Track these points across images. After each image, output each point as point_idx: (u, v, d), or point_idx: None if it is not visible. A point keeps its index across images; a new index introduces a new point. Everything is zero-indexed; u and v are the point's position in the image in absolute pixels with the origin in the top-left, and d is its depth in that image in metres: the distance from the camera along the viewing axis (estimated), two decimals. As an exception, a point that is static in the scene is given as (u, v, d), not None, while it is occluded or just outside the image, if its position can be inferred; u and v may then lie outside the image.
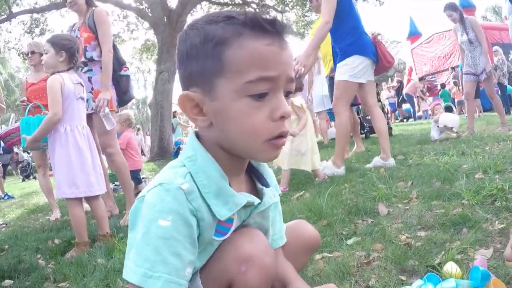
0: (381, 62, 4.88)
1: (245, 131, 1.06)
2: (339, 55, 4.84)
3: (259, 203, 1.21)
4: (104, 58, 4.26)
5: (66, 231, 3.99)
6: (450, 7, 7.61)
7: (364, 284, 1.82)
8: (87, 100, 4.12)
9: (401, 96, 22.15)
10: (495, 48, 15.08)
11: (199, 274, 1.15)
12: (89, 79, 4.31)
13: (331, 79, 6.29)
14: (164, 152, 14.16)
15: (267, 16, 1.06)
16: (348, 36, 4.68)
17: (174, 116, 19.15)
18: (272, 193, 1.29)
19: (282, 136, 1.08)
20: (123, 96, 4.62)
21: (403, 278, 1.83)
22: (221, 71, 1.04)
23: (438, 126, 6.79)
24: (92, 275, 2.51)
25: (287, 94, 1.11)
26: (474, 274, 1.55)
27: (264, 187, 1.27)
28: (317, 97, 9.07)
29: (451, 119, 6.75)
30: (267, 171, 1.34)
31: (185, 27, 1.16)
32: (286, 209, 3.21)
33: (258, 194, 1.26)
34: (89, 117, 4.10)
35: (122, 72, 4.62)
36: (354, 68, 4.70)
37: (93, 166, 3.40)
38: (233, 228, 1.17)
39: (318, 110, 9.26)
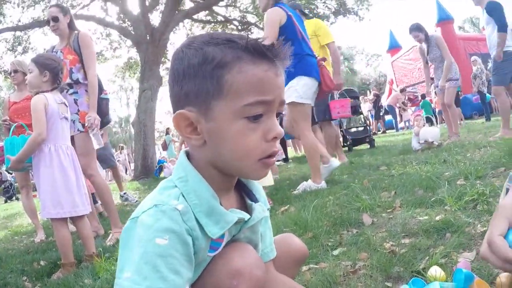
0: (320, 86, 4.93)
1: (239, 151, 1.09)
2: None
3: (249, 219, 1.22)
4: (92, 80, 4.31)
5: (51, 252, 3.94)
6: (416, 29, 7.93)
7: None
8: (73, 121, 4.15)
9: (383, 108, 22.39)
10: (474, 58, 15.40)
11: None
12: (75, 101, 4.32)
13: None
14: (147, 170, 14.12)
15: (265, 43, 1.10)
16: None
17: (167, 133, 19.15)
18: (261, 208, 1.30)
19: (272, 155, 1.13)
20: (102, 119, 4.63)
21: (389, 284, 1.85)
22: (219, 93, 1.07)
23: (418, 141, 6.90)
24: (79, 295, 2.50)
25: (277, 115, 1.15)
26: (457, 276, 1.57)
27: (253, 203, 1.28)
28: None
29: (431, 134, 6.84)
30: (256, 186, 1.35)
31: (179, 45, 1.18)
32: (272, 223, 3.13)
33: (248, 209, 1.27)
34: (72, 138, 4.08)
35: (102, 95, 4.65)
36: (299, 89, 4.71)
37: (77, 186, 3.38)
38: (224, 243, 1.18)
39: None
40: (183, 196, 1.11)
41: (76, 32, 4.51)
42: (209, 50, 1.08)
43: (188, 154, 1.21)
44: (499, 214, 1.14)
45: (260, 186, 1.38)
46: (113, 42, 21.11)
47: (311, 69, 4.77)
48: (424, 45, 7.97)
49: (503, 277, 1.57)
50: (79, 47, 4.39)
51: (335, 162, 4.92)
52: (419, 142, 6.85)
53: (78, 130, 4.25)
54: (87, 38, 4.48)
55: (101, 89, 4.62)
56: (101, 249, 3.55)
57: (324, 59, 5.08)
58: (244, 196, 1.31)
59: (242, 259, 1.14)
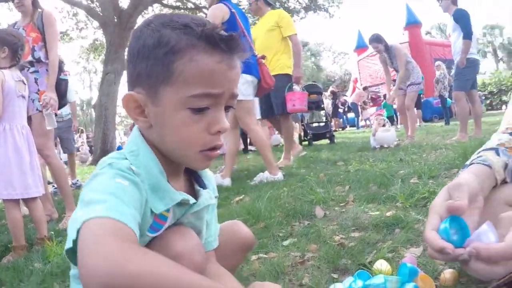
0: (260, 83, 5.06)
1: (181, 140, 1.08)
2: None
3: (194, 203, 1.21)
4: (53, 59, 4.21)
5: (2, 235, 3.82)
6: (375, 40, 8.10)
7: (297, 283, 1.82)
8: (33, 100, 4.06)
9: (345, 106, 22.63)
10: (438, 63, 15.73)
11: None
12: (36, 80, 4.21)
13: None
14: (106, 155, 13.85)
15: (223, 32, 1.06)
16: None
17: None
18: (209, 195, 1.28)
19: (215, 148, 1.11)
20: (60, 100, 4.51)
21: (335, 276, 1.85)
22: (168, 80, 1.05)
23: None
24: (29, 279, 2.41)
25: (227, 108, 1.14)
26: (402, 270, 1.59)
27: (201, 189, 1.27)
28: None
29: (387, 140, 6.92)
30: (206, 173, 1.34)
31: (140, 23, 1.15)
32: (226, 213, 3.21)
33: (196, 195, 1.25)
34: (29, 118, 3.99)
35: (62, 76, 4.52)
36: (240, 87, 4.65)
37: (31, 167, 3.27)
38: (166, 225, 1.16)
39: (259, 117, 9.38)
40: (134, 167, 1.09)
41: (40, 10, 4.41)
42: (165, 33, 1.05)
43: (141, 130, 1.19)
44: (431, 211, 1.17)
45: (211, 174, 1.38)
46: (80, 22, 20.66)
47: (251, 67, 4.87)
48: (385, 54, 8.12)
49: (447, 273, 1.60)
50: (43, 25, 4.30)
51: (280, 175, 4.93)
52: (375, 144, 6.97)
53: (37, 109, 4.14)
54: (51, 17, 4.39)
55: (61, 70, 4.50)
56: (53, 232, 3.46)
57: (263, 57, 5.19)
58: (193, 182, 1.30)
59: (182, 243, 1.13)
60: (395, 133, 7.26)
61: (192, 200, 1.19)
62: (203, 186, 1.29)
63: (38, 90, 4.19)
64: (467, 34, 6.85)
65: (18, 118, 3.31)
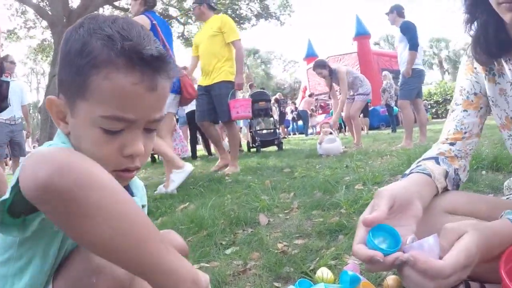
0: (182, 94, 5.19)
1: (93, 157, 0.98)
2: None
3: None
4: None
5: None
6: (319, 66, 8.32)
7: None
8: None
9: (295, 113, 22.86)
10: (384, 72, 16.16)
11: (52, 284, 1.05)
12: None
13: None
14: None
15: (147, 52, 0.97)
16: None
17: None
18: (139, 199, 1.24)
19: (129, 170, 1.06)
20: (0, 103, 4.32)
21: (277, 284, 1.81)
22: (83, 94, 0.99)
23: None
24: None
25: (150, 131, 1.08)
26: (343, 278, 1.56)
27: (133, 191, 1.24)
28: None
29: (332, 150, 6.98)
30: (135, 182, 1.30)
31: (78, 21, 1.06)
32: (169, 221, 3.16)
33: None
34: None
35: (3, 78, 4.32)
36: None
37: None
38: None
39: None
40: None
41: None
42: (89, 42, 0.98)
43: None
44: (358, 225, 1.16)
45: (140, 182, 1.33)
46: (28, 20, 20.13)
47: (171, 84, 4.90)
48: (329, 79, 8.33)
49: (390, 279, 1.59)
50: None
51: (189, 167, 4.87)
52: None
53: None
54: None
55: (1, 71, 4.32)
56: None
57: (185, 68, 5.22)
58: None
59: None
60: (340, 143, 7.32)
61: None
62: (131, 194, 1.24)
63: None
64: (413, 46, 7.04)
65: None
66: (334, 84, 8.33)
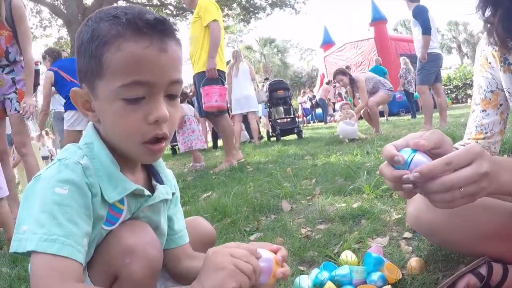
0: None
1: (119, 132, 1.07)
2: None
3: (150, 196, 1.20)
4: (29, 60, 3.98)
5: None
6: (340, 73, 8.19)
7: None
8: (10, 100, 3.94)
9: (313, 101, 22.76)
10: (403, 57, 15.88)
11: (86, 268, 1.10)
12: (13, 80, 4.01)
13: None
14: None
15: (150, 16, 1.03)
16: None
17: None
18: (165, 190, 1.27)
19: (159, 140, 1.07)
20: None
21: (302, 268, 1.84)
22: (100, 73, 1.03)
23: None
24: (-4, 284, 2.34)
25: (172, 97, 1.10)
26: (367, 260, 1.59)
27: (158, 184, 1.26)
28: (235, 100, 9.17)
29: (347, 133, 6.96)
30: (165, 170, 1.33)
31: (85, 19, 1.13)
32: (193, 210, 3.18)
33: (153, 190, 1.24)
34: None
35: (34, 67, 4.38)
36: (69, 120, 5.78)
37: None
38: (121, 219, 1.14)
39: (236, 113, 9.35)
40: (88, 159, 1.09)
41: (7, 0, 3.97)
42: (97, 27, 1.04)
43: (95, 125, 1.18)
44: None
45: (169, 171, 1.37)
46: (44, 20, 20.29)
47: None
48: (350, 88, 8.27)
49: (413, 261, 1.61)
50: (13, 20, 3.95)
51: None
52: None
53: (15, 109, 3.98)
54: (21, 8, 4.02)
55: None
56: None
57: None
58: (151, 177, 1.29)
59: (136, 237, 1.10)
60: (357, 128, 7.29)
61: (146, 192, 1.18)
62: (160, 182, 1.27)
63: (16, 89, 4.01)
64: (425, 30, 6.97)
65: None
66: (355, 93, 8.27)
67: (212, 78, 5.38)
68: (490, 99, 1.56)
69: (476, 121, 1.60)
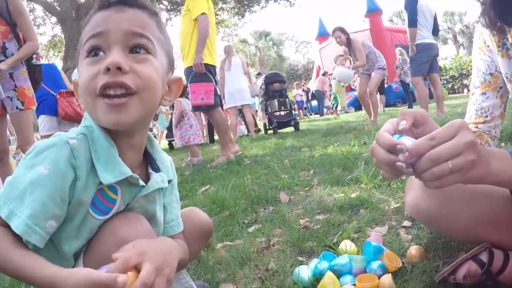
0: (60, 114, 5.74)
1: (81, 89, 1.11)
2: None
3: (144, 186, 1.19)
4: (32, 45, 4.00)
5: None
6: (339, 30, 8.08)
7: (263, 268, 1.80)
8: (11, 98, 3.87)
9: (309, 93, 22.75)
10: (398, 48, 15.86)
11: (82, 258, 1.11)
12: (11, 75, 3.91)
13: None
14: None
15: None
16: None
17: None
18: (160, 178, 1.25)
19: (110, 88, 1.05)
20: (34, 86, 4.33)
21: (301, 258, 1.83)
22: (79, 50, 1.15)
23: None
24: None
25: (137, 52, 1.11)
26: (367, 249, 1.58)
27: (153, 172, 1.25)
28: (229, 93, 9.18)
29: (343, 74, 7.05)
30: (162, 157, 1.32)
31: None
32: (191, 204, 3.17)
33: (148, 179, 1.23)
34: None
35: (34, 61, 4.32)
36: (42, 125, 5.94)
37: None
38: (115, 209, 1.15)
39: (228, 106, 9.35)
40: (88, 139, 1.10)
41: None
42: (88, 16, 1.17)
43: None
44: (387, 122, 1.11)
45: (167, 158, 1.36)
46: (37, 18, 20.22)
47: (46, 106, 5.73)
48: (346, 48, 8.19)
49: (413, 249, 1.60)
50: (10, 14, 3.88)
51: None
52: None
53: (17, 108, 3.93)
54: (17, 3, 3.93)
55: (32, 55, 4.32)
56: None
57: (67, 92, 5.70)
58: (148, 165, 1.28)
59: (130, 228, 1.11)
60: (353, 74, 7.36)
61: (141, 182, 1.17)
62: (156, 170, 1.27)
63: (15, 86, 3.94)
64: (410, 22, 7.02)
65: None
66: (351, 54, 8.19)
67: (200, 73, 5.25)
68: (489, 81, 1.55)
69: (475, 104, 1.59)
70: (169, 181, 1.32)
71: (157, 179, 1.24)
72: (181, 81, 1.27)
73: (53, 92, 5.69)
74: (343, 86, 7.83)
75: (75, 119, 5.79)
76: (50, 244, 1.07)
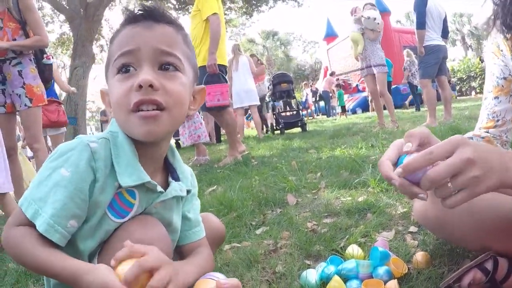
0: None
1: (114, 104, 1.15)
2: None
3: (162, 193, 1.23)
4: (41, 39, 4.02)
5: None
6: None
7: (270, 270, 1.81)
8: (19, 96, 3.91)
9: (317, 94, 22.71)
10: (406, 50, 15.80)
11: (97, 259, 1.16)
12: (20, 72, 3.97)
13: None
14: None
15: (142, 7, 1.19)
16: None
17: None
18: (179, 187, 1.30)
19: (142, 104, 1.10)
20: (45, 85, 4.36)
21: (308, 262, 1.85)
22: (108, 64, 1.20)
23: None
24: (3, 280, 2.34)
25: (166, 69, 1.16)
26: (373, 254, 1.60)
27: (173, 181, 1.30)
28: (236, 94, 9.17)
29: (375, 13, 7.39)
30: (183, 168, 1.37)
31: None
32: (198, 204, 3.18)
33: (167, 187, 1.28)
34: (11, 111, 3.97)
35: (45, 61, 4.36)
36: None
37: (4, 162, 3.19)
38: (132, 213, 1.19)
39: (237, 106, 9.34)
40: (110, 143, 1.16)
41: None
42: (117, 29, 1.21)
43: None
44: (391, 146, 1.15)
45: (188, 169, 1.42)
46: (46, 16, 20.26)
47: None
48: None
49: (419, 255, 1.61)
50: (20, 11, 3.96)
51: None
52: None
53: (25, 105, 3.97)
54: (27, 0, 4.00)
55: (42, 54, 4.37)
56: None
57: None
58: (168, 175, 1.34)
59: (145, 231, 1.15)
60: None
61: (159, 188, 1.21)
62: (176, 179, 1.31)
63: (24, 83, 3.98)
64: (418, 24, 7.01)
65: None
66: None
67: (213, 73, 5.27)
68: (502, 86, 1.56)
69: (488, 108, 1.60)
70: (188, 191, 1.36)
71: (176, 187, 1.28)
72: (205, 91, 1.33)
73: None
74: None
75: (51, 126, 6.65)
76: (69, 243, 1.12)
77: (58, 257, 1.04)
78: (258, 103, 10.07)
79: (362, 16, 7.56)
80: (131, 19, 1.18)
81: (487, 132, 1.58)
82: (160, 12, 1.19)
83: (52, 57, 4.65)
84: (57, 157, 1.12)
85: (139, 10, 1.18)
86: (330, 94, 21.30)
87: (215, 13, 5.22)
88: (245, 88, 9.17)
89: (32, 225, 1.07)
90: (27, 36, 4.02)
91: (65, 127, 7.13)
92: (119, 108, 1.14)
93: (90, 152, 1.11)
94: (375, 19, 7.39)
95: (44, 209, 1.06)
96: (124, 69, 1.13)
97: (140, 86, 1.09)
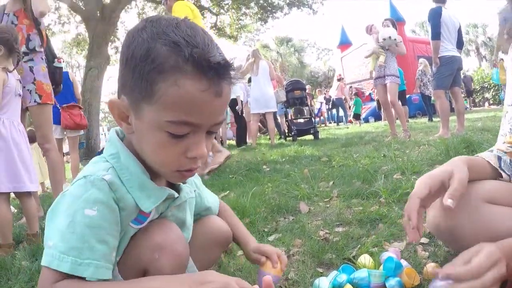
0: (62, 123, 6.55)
1: (157, 159, 1.11)
2: None
3: (177, 197, 1.28)
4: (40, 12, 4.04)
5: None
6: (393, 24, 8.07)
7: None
8: (29, 91, 3.96)
9: (330, 102, 22.68)
10: (421, 60, 15.73)
11: (117, 265, 1.19)
12: (31, 69, 4.02)
13: None
14: (91, 152, 13.60)
15: (213, 59, 1.00)
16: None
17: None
18: (189, 189, 1.37)
19: (191, 170, 1.14)
20: (55, 88, 4.42)
21: (320, 270, 1.87)
22: (149, 99, 1.01)
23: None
24: (17, 278, 2.39)
25: (211, 133, 1.13)
26: (387, 264, 1.61)
27: (181, 183, 1.33)
28: (255, 99, 9.16)
29: (390, 31, 7.42)
30: None
31: (136, 25, 1.10)
32: (211, 209, 3.21)
33: (177, 189, 1.31)
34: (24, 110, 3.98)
35: (56, 64, 4.43)
36: None
37: (30, 162, 3.26)
38: (150, 218, 1.22)
39: (254, 112, 9.33)
40: (115, 170, 1.14)
41: None
42: (154, 48, 1.00)
43: (118, 133, 1.24)
44: (425, 179, 1.24)
45: None
46: (62, 16, 20.40)
47: (55, 118, 5.39)
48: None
49: (430, 266, 1.63)
50: (32, 10, 4.04)
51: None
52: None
53: (35, 101, 4.01)
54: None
55: (54, 57, 4.43)
56: (40, 230, 3.41)
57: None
58: None
59: (163, 234, 1.19)
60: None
61: (176, 194, 1.26)
62: (178, 190, 1.33)
63: (35, 79, 4.03)
64: (433, 35, 6.97)
65: (16, 115, 3.33)
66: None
67: None
68: None
69: (510, 123, 1.57)
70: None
71: (187, 190, 1.34)
72: None
73: (58, 105, 6.32)
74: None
75: (75, 128, 6.79)
76: None
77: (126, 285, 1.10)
78: (276, 109, 10.06)
79: (379, 42, 7.56)
80: (200, 70, 0.99)
81: (511, 147, 1.57)
82: (229, 69, 1.05)
83: (62, 61, 4.71)
84: (72, 203, 1.07)
85: (210, 63, 0.99)
86: (344, 101, 21.28)
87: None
88: (264, 94, 9.12)
89: (69, 277, 1.02)
90: (40, 33, 4.10)
91: (83, 130, 7.22)
92: (163, 165, 1.12)
93: (107, 185, 1.10)
94: (390, 37, 7.41)
95: (85, 255, 1.02)
96: (177, 136, 1.05)
97: (195, 157, 1.09)
